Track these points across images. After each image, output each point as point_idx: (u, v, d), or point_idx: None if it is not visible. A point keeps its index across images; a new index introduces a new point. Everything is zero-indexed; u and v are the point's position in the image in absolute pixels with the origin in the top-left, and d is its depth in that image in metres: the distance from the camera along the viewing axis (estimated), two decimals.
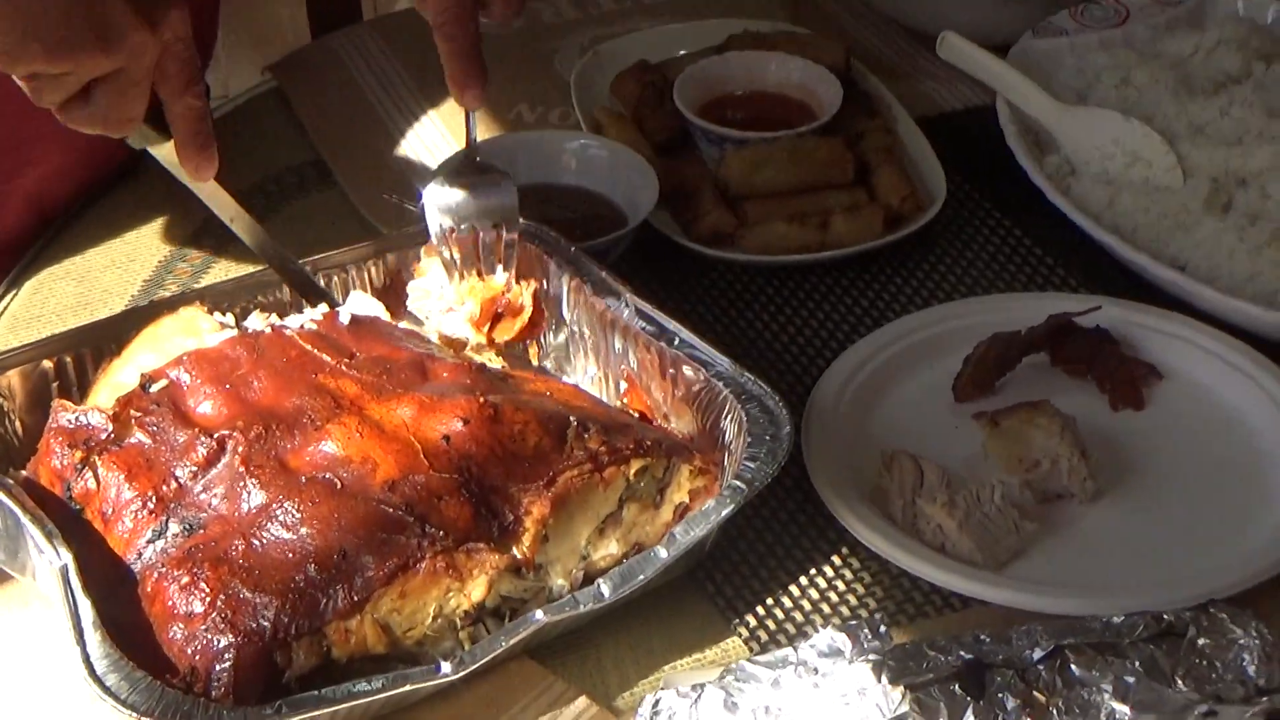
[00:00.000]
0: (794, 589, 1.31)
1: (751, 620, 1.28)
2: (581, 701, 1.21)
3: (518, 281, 1.41)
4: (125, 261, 1.62)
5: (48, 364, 1.34)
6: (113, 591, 1.17)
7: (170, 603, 1.15)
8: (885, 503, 1.34)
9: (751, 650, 1.26)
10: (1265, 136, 1.57)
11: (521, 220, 1.44)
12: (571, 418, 1.26)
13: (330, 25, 2.03)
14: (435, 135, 1.76)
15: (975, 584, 1.28)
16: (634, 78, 1.74)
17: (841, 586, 1.31)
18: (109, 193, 1.70)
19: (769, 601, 1.30)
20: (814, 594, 1.30)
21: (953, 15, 1.80)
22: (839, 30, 1.88)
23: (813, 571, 1.32)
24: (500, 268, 1.41)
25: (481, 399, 1.24)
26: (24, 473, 1.28)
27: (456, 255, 1.42)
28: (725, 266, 1.59)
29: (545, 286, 1.42)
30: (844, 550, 1.34)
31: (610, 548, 1.27)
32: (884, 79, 1.78)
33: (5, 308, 1.58)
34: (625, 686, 1.24)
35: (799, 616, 1.29)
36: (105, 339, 1.36)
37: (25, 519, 1.18)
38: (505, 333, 1.39)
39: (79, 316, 1.54)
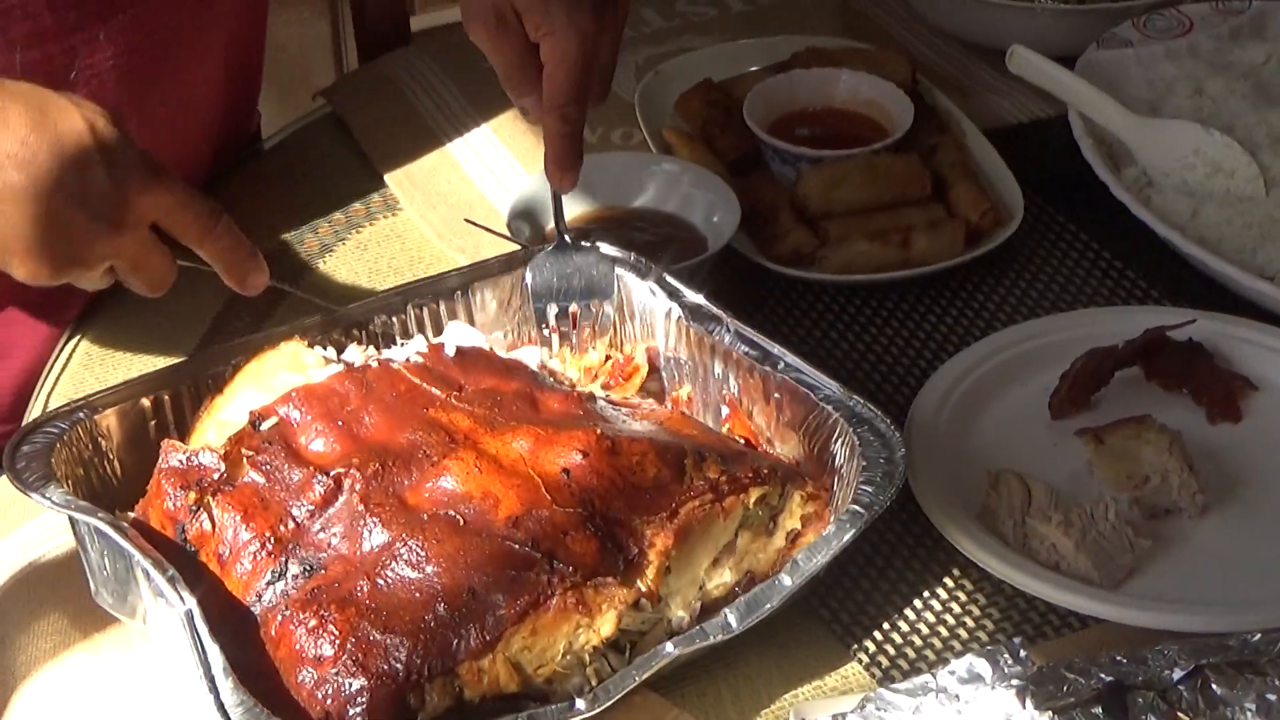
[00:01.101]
0: (909, 612, 1.30)
1: (870, 646, 1.27)
2: None
3: (620, 348, 1.43)
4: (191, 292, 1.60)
5: (145, 402, 1.32)
6: (233, 635, 1.15)
7: (298, 646, 1.13)
8: (994, 522, 1.33)
9: (873, 676, 1.25)
10: None
11: (612, 248, 1.43)
12: (687, 447, 1.24)
13: (377, 45, 2.01)
14: (498, 158, 1.75)
15: (1095, 603, 1.27)
16: (699, 97, 1.73)
17: (957, 609, 1.30)
18: None
19: (885, 626, 1.29)
20: (930, 617, 1.29)
21: (1012, 29, 1.80)
22: (896, 46, 1.88)
23: (926, 594, 1.31)
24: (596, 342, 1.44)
25: (598, 431, 1.22)
26: (132, 514, 1.25)
27: (556, 340, 1.44)
28: (805, 286, 1.58)
29: (643, 320, 1.41)
30: (955, 572, 1.33)
31: (724, 576, 1.25)
32: (948, 94, 1.77)
33: (77, 345, 1.56)
34: (746, 718, 1.22)
35: (917, 640, 1.28)
36: (203, 376, 1.34)
37: (145, 563, 1.16)
38: (622, 393, 1.38)
39: (153, 350, 1.52)
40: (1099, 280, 1.59)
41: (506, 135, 1.78)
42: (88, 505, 1.22)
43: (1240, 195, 1.57)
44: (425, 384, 1.28)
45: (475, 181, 1.73)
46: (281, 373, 1.29)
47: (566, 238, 1.45)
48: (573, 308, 1.43)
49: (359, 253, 1.65)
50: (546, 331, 1.43)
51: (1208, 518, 1.35)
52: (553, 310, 1.43)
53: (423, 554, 1.15)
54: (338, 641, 1.12)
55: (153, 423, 1.32)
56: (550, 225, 1.50)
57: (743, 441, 1.35)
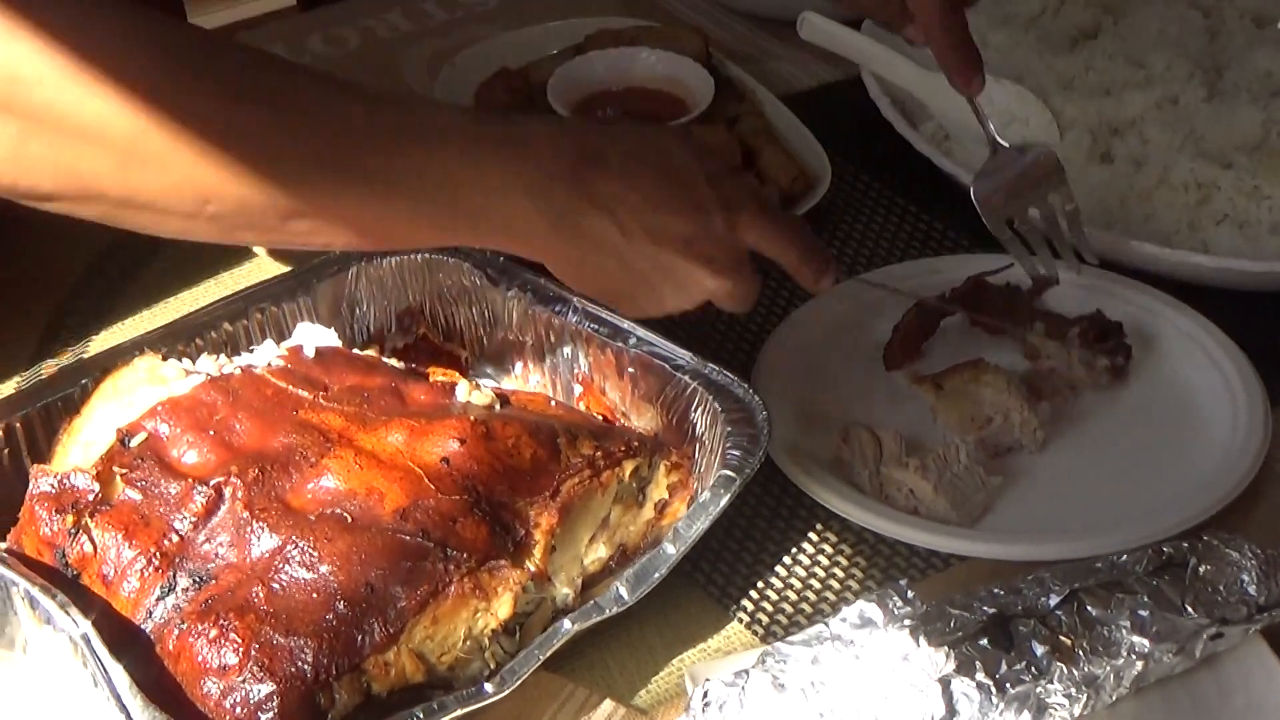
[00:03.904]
0: (780, 569, 1.33)
1: (749, 605, 1.30)
2: (608, 705, 1.22)
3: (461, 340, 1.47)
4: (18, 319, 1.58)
5: None
6: (129, 655, 1.14)
7: (200, 657, 1.12)
8: (850, 474, 1.38)
9: (755, 634, 1.28)
10: (1132, 85, 1.64)
11: None
12: (558, 427, 1.26)
13: None
14: None
15: (958, 540, 1.32)
16: (500, 85, 1.74)
17: (825, 561, 1.34)
18: None
19: (760, 585, 1.32)
20: (800, 571, 1.33)
21: None
22: (670, 22, 1.91)
23: (794, 550, 1.35)
24: None
25: (472, 418, 1.24)
26: (3, 545, 1.23)
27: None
28: None
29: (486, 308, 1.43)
30: (818, 526, 1.36)
31: (600, 551, 1.28)
32: (740, 65, 1.80)
33: None
34: (639, 686, 1.25)
35: (792, 595, 1.31)
36: (51, 399, 1.31)
37: (33, 589, 1.14)
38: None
39: None
40: (909, 234, 1.65)
41: None
42: None
43: (1036, 141, 1.63)
44: (291, 387, 1.27)
45: None
46: (140, 387, 1.28)
47: (1001, 142, 1.49)
48: (1032, 211, 1.47)
49: (186, 261, 1.63)
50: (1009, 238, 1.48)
51: (1047, 451, 1.41)
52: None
53: (315, 554, 1.15)
54: (241, 649, 1.11)
55: (5, 450, 1.30)
56: None
57: (600, 418, 1.37)
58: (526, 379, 1.43)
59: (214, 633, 1.12)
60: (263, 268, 1.60)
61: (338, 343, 1.36)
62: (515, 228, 1.20)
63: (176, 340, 1.37)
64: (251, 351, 1.36)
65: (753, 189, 1.30)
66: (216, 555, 1.17)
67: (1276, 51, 1.70)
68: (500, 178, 1.18)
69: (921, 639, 1.15)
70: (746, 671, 1.15)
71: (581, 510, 1.24)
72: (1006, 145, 1.48)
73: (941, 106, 1.68)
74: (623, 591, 1.20)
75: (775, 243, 1.29)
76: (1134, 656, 1.17)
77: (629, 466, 1.26)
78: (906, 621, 1.16)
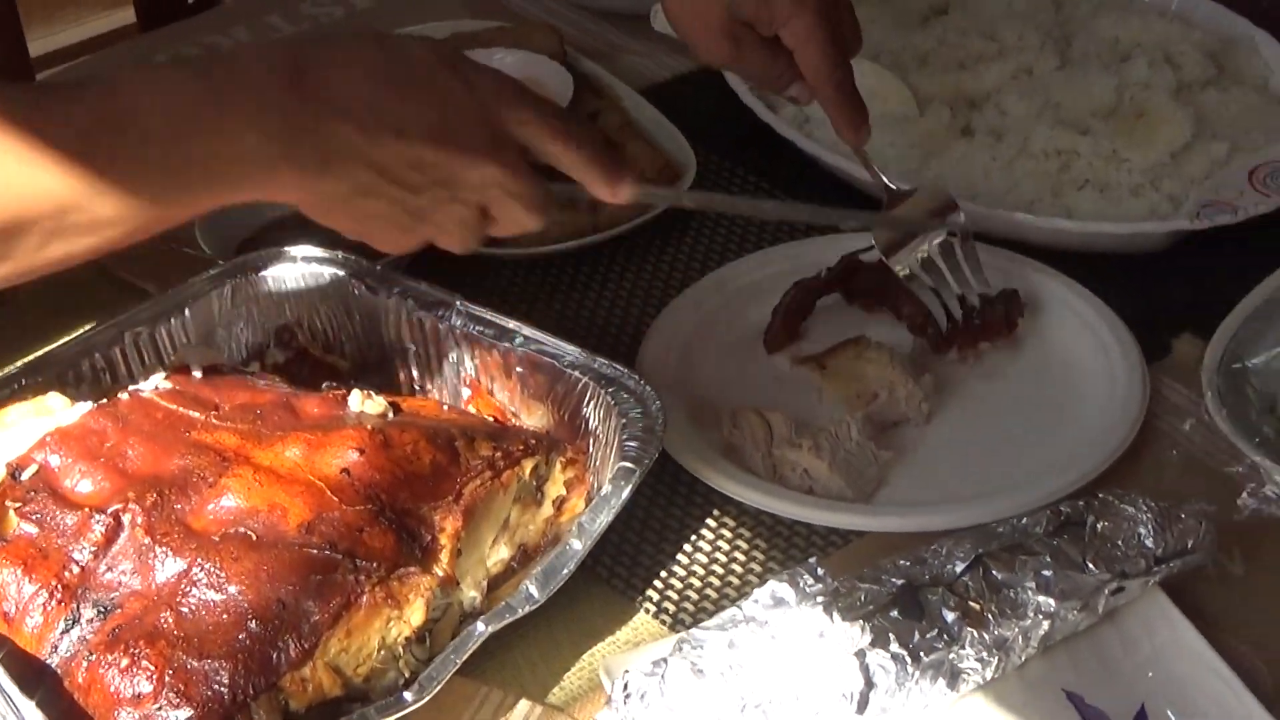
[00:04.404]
0: (681, 557, 1.33)
1: (654, 594, 1.31)
2: (524, 704, 1.22)
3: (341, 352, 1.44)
4: None
5: None
6: (37, 691, 1.12)
7: (113, 688, 1.10)
8: (741, 458, 1.38)
9: (663, 623, 1.28)
10: (987, 57, 1.66)
11: (318, 250, 1.42)
12: (454, 430, 1.26)
13: None
14: None
15: (856, 517, 1.33)
16: None
17: (725, 545, 1.34)
18: None
19: (663, 574, 1.32)
20: (702, 558, 1.33)
21: None
22: (518, 22, 1.90)
23: (693, 537, 1.35)
24: None
25: (368, 427, 1.23)
26: None
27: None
28: (501, 264, 1.60)
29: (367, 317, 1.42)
30: (715, 511, 1.37)
31: (501, 552, 1.27)
32: (593, 59, 1.81)
33: None
34: (551, 684, 1.24)
35: (696, 582, 1.31)
36: None
37: None
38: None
39: None
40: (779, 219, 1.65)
41: None
42: None
43: (898, 117, 1.66)
44: (182, 408, 1.26)
45: None
46: (25, 420, 1.25)
47: (891, 186, 1.48)
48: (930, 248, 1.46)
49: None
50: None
51: (934, 423, 1.43)
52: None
53: (222, 575, 1.14)
54: (155, 676, 1.10)
55: None
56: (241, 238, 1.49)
57: (492, 420, 1.36)
58: (413, 386, 1.42)
59: (125, 662, 1.11)
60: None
61: (223, 361, 1.35)
62: (251, 163, 1.09)
63: (53, 370, 1.34)
64: (134, 379, 1.34)
65: (518, 84, 1.17)
66: (120, 583, 1.16)
67: (1121, 18, 1.73)
68: (215, 111, 1.07)
69: (835, 614, 1.16)
70: (664, 660, 1.16)
71: (484, 512, 1.24)
72: (895, 188, 1.48)
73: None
74: (533, 590, 1.20)
75: (551, 137, 1.17)
76: (1040, 616, 1.19)
77: (528, 465, 1.26)
78: (819, 598, 1.17)
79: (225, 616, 1.12)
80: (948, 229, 1.45)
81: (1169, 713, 1.18)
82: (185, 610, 1.13)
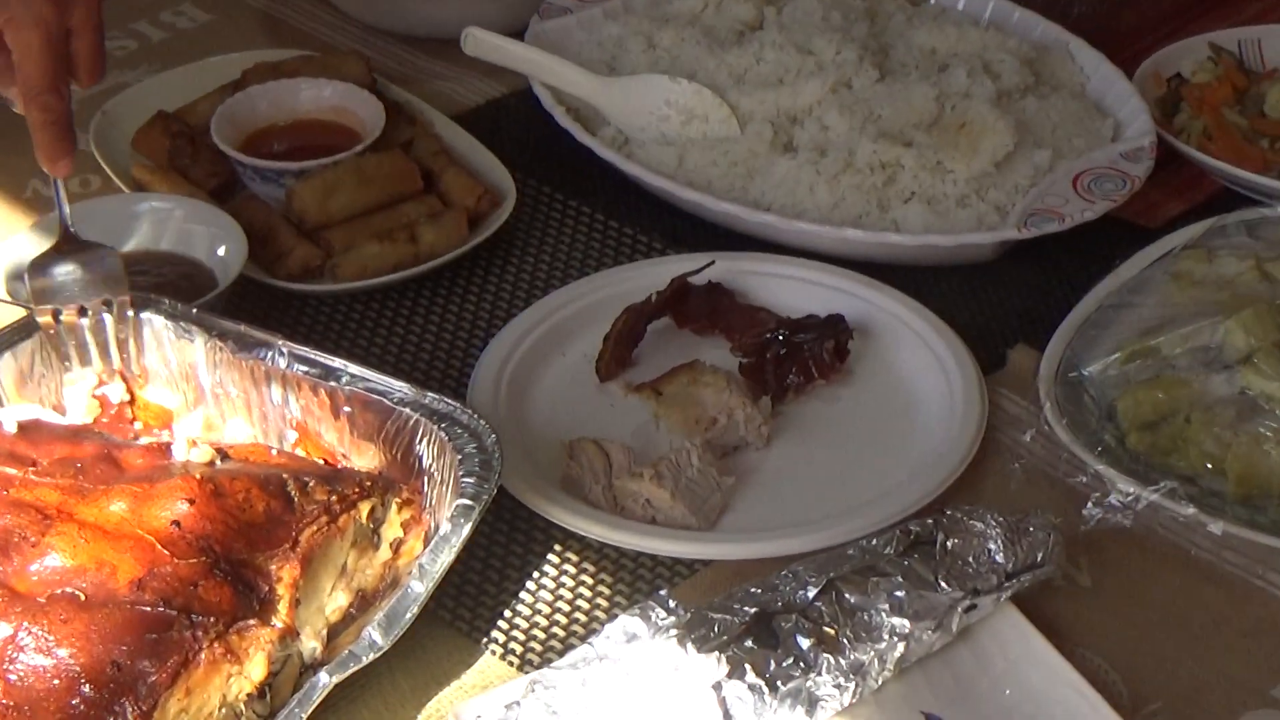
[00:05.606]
0: (525, 595, 1.30)
1: (500, 636, 1.27)
2: None
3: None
4: None
5: None
6: None
7: None
8: (581, 490, 1.35)
9: (511, 664, 1.25)
10: (804, 73, 1.65)
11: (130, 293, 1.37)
12: (286, 475, 1.21)
13: None
14: None
15: (702, 545, 1.31)
16: (158, 129, 1.67)
17: (569, 581, 1.31)
18: None
19: (507, 614, 1.29)
20: (546, 595, 1.30)
21: (449, 16, 1.81)
22: (322, 50, 1.86)
23: (536, 574, 1.32)
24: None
25: (197, 476, 1.18)
26: None
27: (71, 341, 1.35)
28: (321, 300, 1.56)
29: (181, 360, 1.36)
30: (556, 547, 1.34)
31: (339, 599, 1.23)
32: (402, 87, 1.77)
33: None
34: None
35: (542, 620, 1.28)
36: None
37: None
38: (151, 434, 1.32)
39: None
40: (601, 242, 1.63)
41: None
42: None
43: (718, 136, 1.64)
44: None
45: None
46: None
47: (72, 230, 1.38)
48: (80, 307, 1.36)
49: None
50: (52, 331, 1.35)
51: (775, 447, 1.41)
52: (66, 312, 1.35)
53: (50, 639, 1.09)
54: None
55: None
56: None
57: (323, 463, 1.32)
58: (237, 431, 1.37)
59: None
60: None
61: (43, 413, 1.29)
62: None
63: None
64: None
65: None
66: None
67: (936, 27, 1.73)
68: None
69: (689, 646, 1.14)
70: (517, 703, 1.13)
71: (322, 558, 1.20)
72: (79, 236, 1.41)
73: (616, 110, 1.67)
74: (376, 637, 1.16)
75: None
76: (895, 638, 1.17)
77: (365, 508, 1.22)
78: (672, 631, 1.15)
79: (56, 682, 1.07)
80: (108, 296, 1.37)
81: None
82: (14, 677, 1.08)
